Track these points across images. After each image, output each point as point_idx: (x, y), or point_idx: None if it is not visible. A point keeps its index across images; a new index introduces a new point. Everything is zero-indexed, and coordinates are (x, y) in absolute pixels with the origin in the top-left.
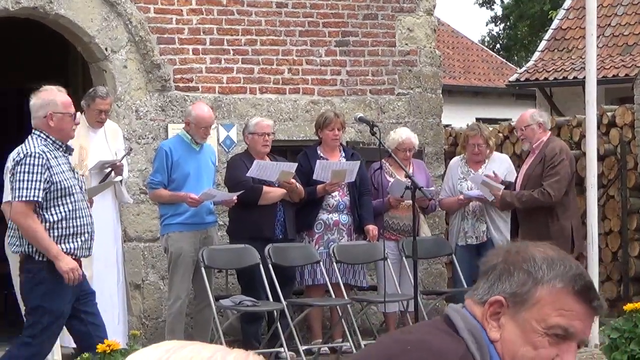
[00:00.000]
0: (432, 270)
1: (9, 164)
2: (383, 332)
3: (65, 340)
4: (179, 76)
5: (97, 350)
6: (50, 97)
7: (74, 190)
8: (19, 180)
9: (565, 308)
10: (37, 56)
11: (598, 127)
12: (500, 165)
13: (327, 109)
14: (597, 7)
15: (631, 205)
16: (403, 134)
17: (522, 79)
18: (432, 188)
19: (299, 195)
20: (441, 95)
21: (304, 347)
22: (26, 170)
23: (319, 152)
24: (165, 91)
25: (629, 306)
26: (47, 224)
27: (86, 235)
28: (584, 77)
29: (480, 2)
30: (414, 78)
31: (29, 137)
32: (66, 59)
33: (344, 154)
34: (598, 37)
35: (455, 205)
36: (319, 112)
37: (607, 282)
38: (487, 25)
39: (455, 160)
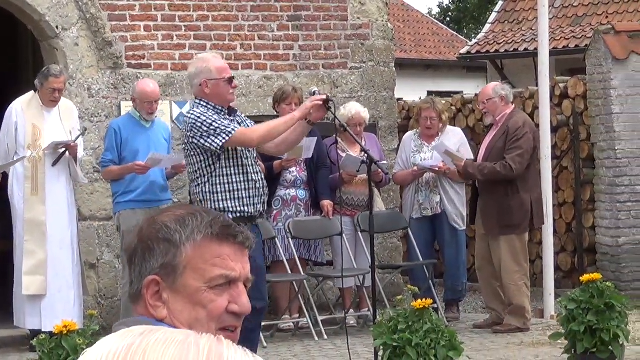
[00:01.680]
0: (387, 245)
1: (187, 133)
2: (340, 307)
3: (21, 321)
4: (131, 53)
5: (54, 331)
6: (203, 65)
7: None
8: (209, 130)
9: (215, 256)
10: None
11: (550, 99)
12: (453, 138)
13: (283, 84)
14: None
15: (584, 176)
16: (353, 109)
17: (472, 52)
18: (385, 162)
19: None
20: (394, 68)
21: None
22: (205, 124)
23: None
24: (117, 69)
25: (585, 277)
26: (216, 186)
27: (256, 191)
28: (535, 49)
29: None
30: (366, 52)
31: (192, 105)
32: (15, 38)
33: None
34: (548, 8)
35: (409, 178)
36: (272, 88)
37: (561, 253)
38: None
39: (408, 134)
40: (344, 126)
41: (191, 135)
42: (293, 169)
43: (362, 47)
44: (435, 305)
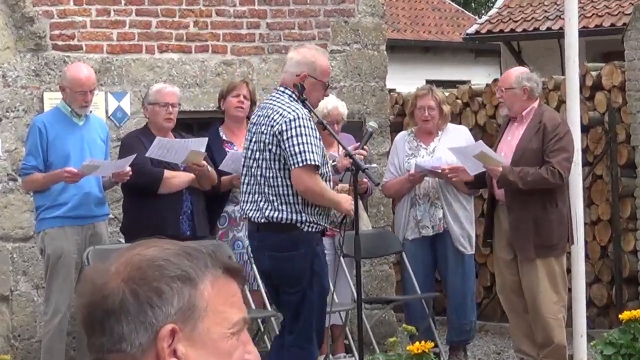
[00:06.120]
0: (376, 273)
1: (276, 127)
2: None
3: None
4: (57, 32)
5: None
6: (311, 59)
7: None
8: (298, 144)
9: (230, 294)
10: None
11: (580, 91)
12: (457, 137)
13: (246, 70)
14: None
15: (623, 187)
16: (329, 104)
17: (482, 31)
18: (375, 166)
19: (211, 181)
20: (385, 52)
21: None
22: (301, 132)
23: (220, 133)
24: (40, 51)
25: (625, 314)
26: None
27: None
28: (560, 28)
29: None
30: (350, 31)
31: (279, 94)
32: None
33: None
34: None
35: (405, 186)
36: (233, 75)
37: (595, 284)
38: None
39: (401, 134)
40: (322, 123)
41: (286, 135)
42: None
43: (346, 25)
44: (437, 350)
